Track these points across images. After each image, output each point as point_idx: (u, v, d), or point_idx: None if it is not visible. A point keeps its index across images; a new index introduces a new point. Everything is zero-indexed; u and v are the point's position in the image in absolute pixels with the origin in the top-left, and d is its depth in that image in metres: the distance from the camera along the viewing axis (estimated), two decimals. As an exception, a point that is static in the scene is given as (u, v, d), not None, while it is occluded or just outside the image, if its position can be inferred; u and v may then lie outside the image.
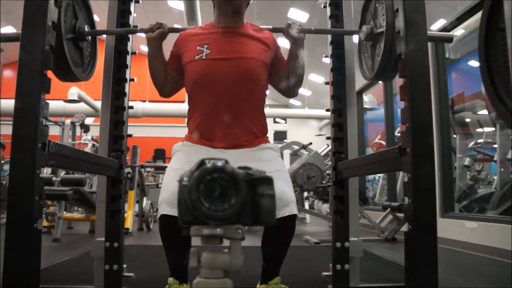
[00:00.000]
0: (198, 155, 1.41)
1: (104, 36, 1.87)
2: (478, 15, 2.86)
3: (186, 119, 1.71)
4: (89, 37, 1.65)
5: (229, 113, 1.55)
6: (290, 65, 1.65)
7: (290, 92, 1.74)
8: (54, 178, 3.74)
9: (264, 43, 1.64)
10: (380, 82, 5.22)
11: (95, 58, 1.74)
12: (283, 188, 1.49)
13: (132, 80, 1.88)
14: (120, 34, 1.82)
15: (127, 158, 2.53)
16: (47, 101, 1.19)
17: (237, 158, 1.46)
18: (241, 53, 1.58)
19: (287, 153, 7.06)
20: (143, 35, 1.64)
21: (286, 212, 1.44)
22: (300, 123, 15.41)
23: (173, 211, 1.40)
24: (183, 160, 1.56)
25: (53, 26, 1.22)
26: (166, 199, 1.46)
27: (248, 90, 1.59)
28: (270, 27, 1.71)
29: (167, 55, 1.68)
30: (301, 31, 1.59)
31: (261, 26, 1.70)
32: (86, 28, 1.56)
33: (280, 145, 5.82)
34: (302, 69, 1.66)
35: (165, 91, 1.70)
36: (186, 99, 1.68)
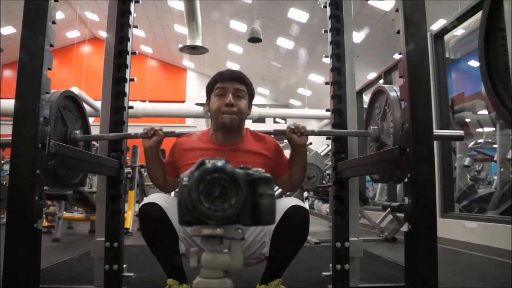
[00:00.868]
0: None
1: (104, 35, 1.87)
2: (478, 15, 2.87)
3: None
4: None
5: None
6: (292, 167, 1.65)
7: (291, 189, 1.74)
8: (54, 178, 3.74)
9: (264, 155, 1.63)
10: (380, 81, 5.22)
11: None
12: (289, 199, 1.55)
13: (132, 80, 1.88)
14: (115, 139, 1.78)
15: (127, 158, 2.53)
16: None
17: None
18: None
19: (287, 153, 7.04)
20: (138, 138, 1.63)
21: (295, 203, 1.45)
22: (300, 123, 15.39)
23: (152, 200, 1.43)
24: None
25: (42, 147, 1.17)
26: (147, 198, 1.50)
27: None
28: (271, 130, 1.71)
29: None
30: (303, 134, 1.58)
31: (261, 130, 1.70)
32: (78, 134, 1.57)
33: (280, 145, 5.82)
34: (305, 168, 1.66)
35: (165, 190, 1.72)
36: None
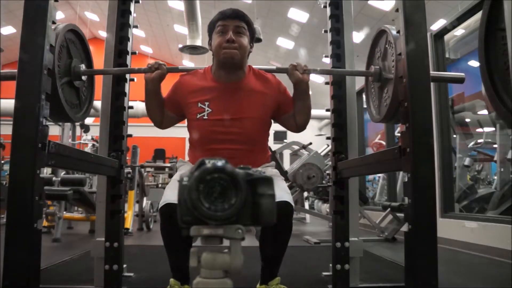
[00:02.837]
0: None
1: (104, 35, 1.87)
2: (478, 15, 2.86)
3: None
4: (86, 76, 1.62)
5: (231, 163, 1.58)
6: (296, 106, 1.65)
7: (296, 130, 1.72)
8: (54, 178, 3.74)
9: (266, 94, 1.64)
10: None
11: (92, 95, 1.73)
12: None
13: (132, 80, 1.88)
14: (118, 73, 1.79)
15: (127, 158, 2.53)
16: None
17: None
18: (241, 113, 1.60)
19: (287, 153, 7.05)
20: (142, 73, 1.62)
21: (278, 199, 1.43)
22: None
23: (175, 200, 1.39)
24: (186, 169, 1.59)
25: (48, 73, 1.19)
26: (168, 194, 1.46)
27: (248, 145, 1.62)
28: (274, 67, 1.70)
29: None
30: (306, 72, 1.58)
31: (263, 68, 1.70)
32: (82, 68, 1.55)
33: (280, 145, 5.83)
34: (308, 108, 1.66)
35: (162, 126, 1.72)
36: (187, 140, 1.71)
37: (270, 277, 1.56)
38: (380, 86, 1.61)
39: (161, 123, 1.71)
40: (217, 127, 1.59)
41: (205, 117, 1.59)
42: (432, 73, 1.32)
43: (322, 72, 1.74)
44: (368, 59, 1.74)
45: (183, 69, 1.74)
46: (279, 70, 1.69)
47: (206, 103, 1.60)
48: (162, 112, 1.68)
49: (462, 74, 1.50)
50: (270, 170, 1.66)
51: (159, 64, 1.58)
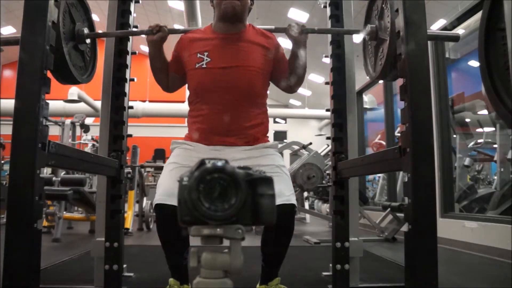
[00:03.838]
0: (195, 153, 1.51)
1: (104, 36, 1.87)
2: (478, 15, 2.86)
3: (186, 119, 1.71)
4: (89, 39, 1.64)
5: (228, 118, 1.58)
6: (291, 65, 1.66)
7: (290, 90, 1.74)
8: (54, 178, 3.74)
9: (265, 47, 1.64)
10: (380, 82, 5.22)
11: (95, 59, 1.74)
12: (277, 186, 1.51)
13: (132, 80, 1.88)
14: (120, 36, 1.82)
15: (127, 158, 2.53)
16: (47, 101, 1.19)
17: (234, 156, 1.51)
18: (240, 61, 1.60)
19: (287, 153, 7.05)
20: (143, 35, 1.64)
21: (279, 201, 1.41)
22: (300, 123, 15.42)
23: (168, 200, 1.40)
24: (179, 156, 1.59)
25: (53, 26, 1.21)
26: (162, 192, 1.47)
27: (246, 97, 1.61)
28: (273, 27, 1.70)
29: (168, 52, 1.68)
30: (303, 32, 1.59)
31: (263, 27, 1.70)
32: (85, 31, 1.56)
33: (280, 145, 5.82)
34: (304, 69, 1.67)
35: (169, 89, 1.73)
36: (186, 100, 1.70)
37: (270, 277, 1.57)
38: (376, 45, 1.60)
39: (168, 87, 1.72)
40: (215, 76, 1.58)
41: (204, 66, 1.59)
42: (429, 31, 1.32)
43: (321, 31, 1.76)
44: (365, 18, 1.75)
45: (184, 30, 1.74)
46: (277, 30, 1.69)
47: (205, 53, 1.60)
48: (167, 75, 1.69)
49: (458, 32, 1.51)
50: (272, 152, 1.63)
51: (160, 27, 1.58)
